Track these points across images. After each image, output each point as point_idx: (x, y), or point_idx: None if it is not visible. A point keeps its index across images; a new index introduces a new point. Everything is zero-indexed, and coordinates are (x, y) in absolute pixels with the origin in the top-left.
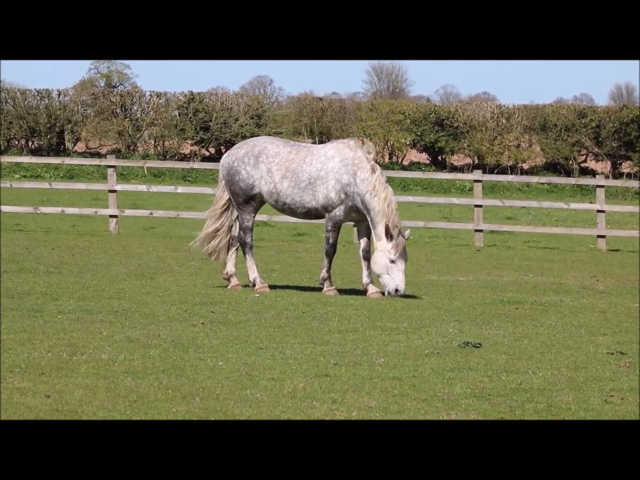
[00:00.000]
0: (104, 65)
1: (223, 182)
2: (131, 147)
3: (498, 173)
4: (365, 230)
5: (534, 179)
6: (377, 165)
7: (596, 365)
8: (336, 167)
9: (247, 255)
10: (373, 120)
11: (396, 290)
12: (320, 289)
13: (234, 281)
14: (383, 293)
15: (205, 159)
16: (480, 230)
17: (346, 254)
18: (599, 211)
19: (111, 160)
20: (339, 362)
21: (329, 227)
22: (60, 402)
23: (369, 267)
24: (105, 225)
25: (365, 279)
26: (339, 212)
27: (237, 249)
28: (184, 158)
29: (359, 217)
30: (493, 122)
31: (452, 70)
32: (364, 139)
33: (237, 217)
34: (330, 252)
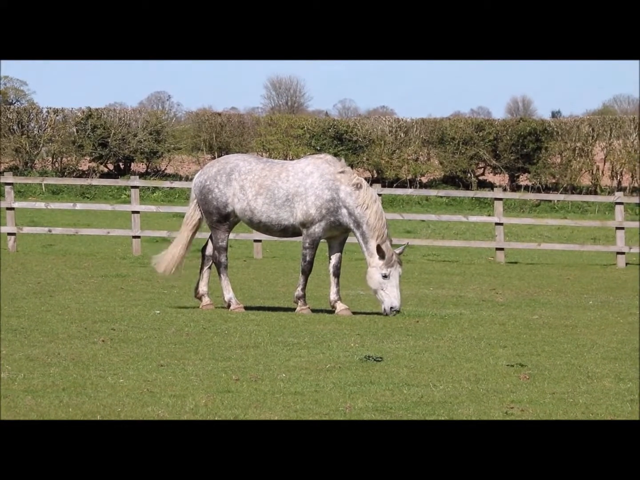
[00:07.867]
0: None
1: (195, 201)
2: (29, 164)
3: (397, 187)
4: (338, 246)
5: (432, 193)
6: (363, 179)
7: (496, 377)
8: (316, 183)
9: (222, 275)
10: (272, 135)
11: (391, 307)
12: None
13: (206, 300)
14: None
15: (103, 175)
16: None
17: (246, 269)
18: (497, 224)
19: (8, 178)
20: (240, 377)
21: (307, 245)
22: None
23: (338, 284)
24: (4, 243)
25: (333, 296)
26: (318, 228)
27: (209, 268)
28: (82, 175)
29: (339, 232)
30: (391, 135)
31: (350, 84)
32: (337, 156)
33: (211, 236)
34: (307, 270)
